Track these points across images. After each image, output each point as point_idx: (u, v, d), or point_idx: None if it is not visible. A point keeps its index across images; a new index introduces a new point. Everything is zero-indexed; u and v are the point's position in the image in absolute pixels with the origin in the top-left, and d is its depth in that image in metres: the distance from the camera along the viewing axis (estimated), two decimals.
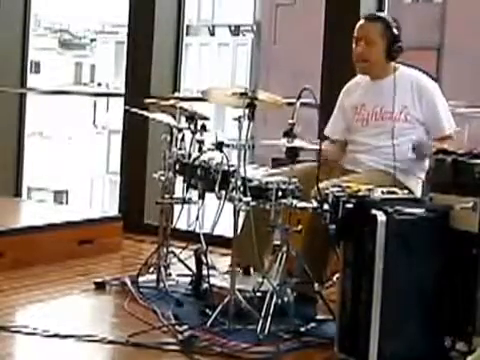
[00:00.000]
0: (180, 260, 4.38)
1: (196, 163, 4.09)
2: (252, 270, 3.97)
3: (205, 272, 3.97)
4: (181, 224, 4.49)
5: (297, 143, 3.69)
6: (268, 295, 3.61)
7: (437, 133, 4.10)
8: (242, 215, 3.91)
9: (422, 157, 4.01)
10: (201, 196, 4.12)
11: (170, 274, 4.35)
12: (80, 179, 23.50)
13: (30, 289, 4.27)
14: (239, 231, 3.75)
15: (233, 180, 3.69)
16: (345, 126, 4.28)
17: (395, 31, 4.08)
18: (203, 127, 4.30)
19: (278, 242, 3.80)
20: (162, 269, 4.26)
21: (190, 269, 4.29)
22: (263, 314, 3.55)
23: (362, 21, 4.17)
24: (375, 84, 4.18)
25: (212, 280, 3.91)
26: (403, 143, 4.02)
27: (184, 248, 4.46)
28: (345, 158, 4.26)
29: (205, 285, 3.95)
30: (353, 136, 4.24)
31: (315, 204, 3.52)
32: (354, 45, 4.15)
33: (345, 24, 4.76)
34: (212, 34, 24.44)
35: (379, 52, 4.10)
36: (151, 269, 4.34)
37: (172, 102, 4.47)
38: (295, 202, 3.69)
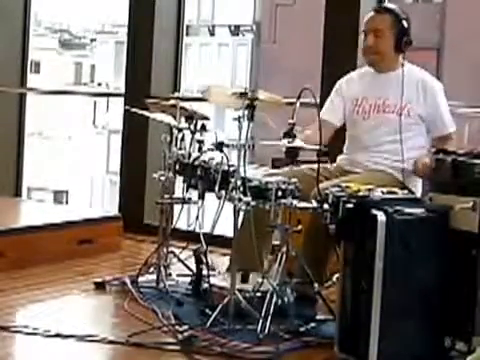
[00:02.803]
0: (180, 260, 4.38)
1: (196, 163, 4.09)
2: (250, 276, 3.94)
3: (205, 272, 3.97)
4: (181, 224, 4.49)
5: (297, 143, 3.69)
6: (268, 295, 3.61)
7: (438, 132, 4.11)
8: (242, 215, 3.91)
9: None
10: (201, 196, 4.12)
11: (170, 274, 4.35)
12: (80, 179, 23.48)
13: (30, 289, 4.27)
14: (239, 231, 3.75)
15: (233, 180, 3.69)
16: (342, 113, 4.25)
17: (404, 23, 4.07)
18: (203, 127, 4.30)
19: (278, 242, 3.80)
20: (162, 269, 4.26)
21: (190, 269, 4.29)
22: (263, 314, 3.55)
23: (372, 13, 4.16)
24: (380, 77, 4.16)
25: (212, 280, 3.91)
26: (404, 139, 4.01)
27: (184, 248, 4.46)
28: (343, 158, 4.25)
29: (205, 285, 3.95)
30: (352, 130, 4.22)
31: (315, 204, 3.52)
32: (363, 37, 4.14)
33: (345, 24, 4.77)
34: (212, 34, 24.41)
35: (388, 44, 4.09)
36: (151, 269, 4.34)
37: (172, 102, 4.47)
38: (295, 202, 3.69)
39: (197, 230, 4.18)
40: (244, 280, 3.88)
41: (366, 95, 4.16)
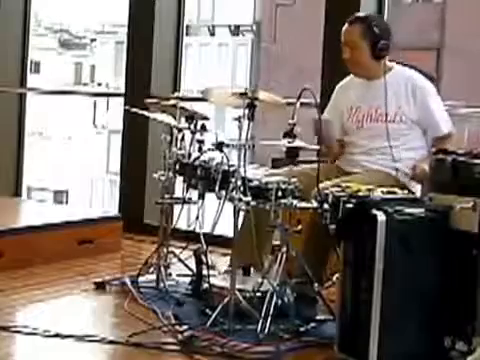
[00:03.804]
0: (180, 260, 4.38)
1: (196, 163, 4.10)
2: (252, 269, 3.96)
3: (205, 272, 3.97)
4: (181, 224, 4.49)
5: (297, 143, 3.68)
6: (268, 295, 3.61)
7: (434, 133, 4.10)
8: (242, 215, 3.91)
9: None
10: (201, 196, 4.12)
11: (170, 274, 4.35)
12: (80, 179, 23.49)
13: (30, 289, 4.27)
14: (239, 231, 3.75)
15: (233, 180, 3.69)
16: (339, 125, 4.27)
17: (376, 30, 4.04)
18: (203, 127, 4.30)
19: (278, 242, 3.80)
20: (162, 269, 4.25)
21: (190, 269, 4.29)
22: (263, 314, 3.55)
23: (345, 25, 4.15)
24: (370, 85, 4.16)
25: (212, 280, 3.91)
26: (401, 144, 4.02)
27: (184, 248, 4.46)
28: (342, 159, 4.25)
29: (205, 285, 3.95)
30: (349, 138, 4.23)
31: (315, 204, 3.52)
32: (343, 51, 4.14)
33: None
34: (212, 34, 24.42)
35: (364, 54, 4.07)
36: (151, 269, 4.34)
37: (172, 102, 4.47)
38: (295, 202, 3.69)
39: (197, 230, 4.18)
40: (246, 273, 3.89)
41: (360, 104, 4.16)
